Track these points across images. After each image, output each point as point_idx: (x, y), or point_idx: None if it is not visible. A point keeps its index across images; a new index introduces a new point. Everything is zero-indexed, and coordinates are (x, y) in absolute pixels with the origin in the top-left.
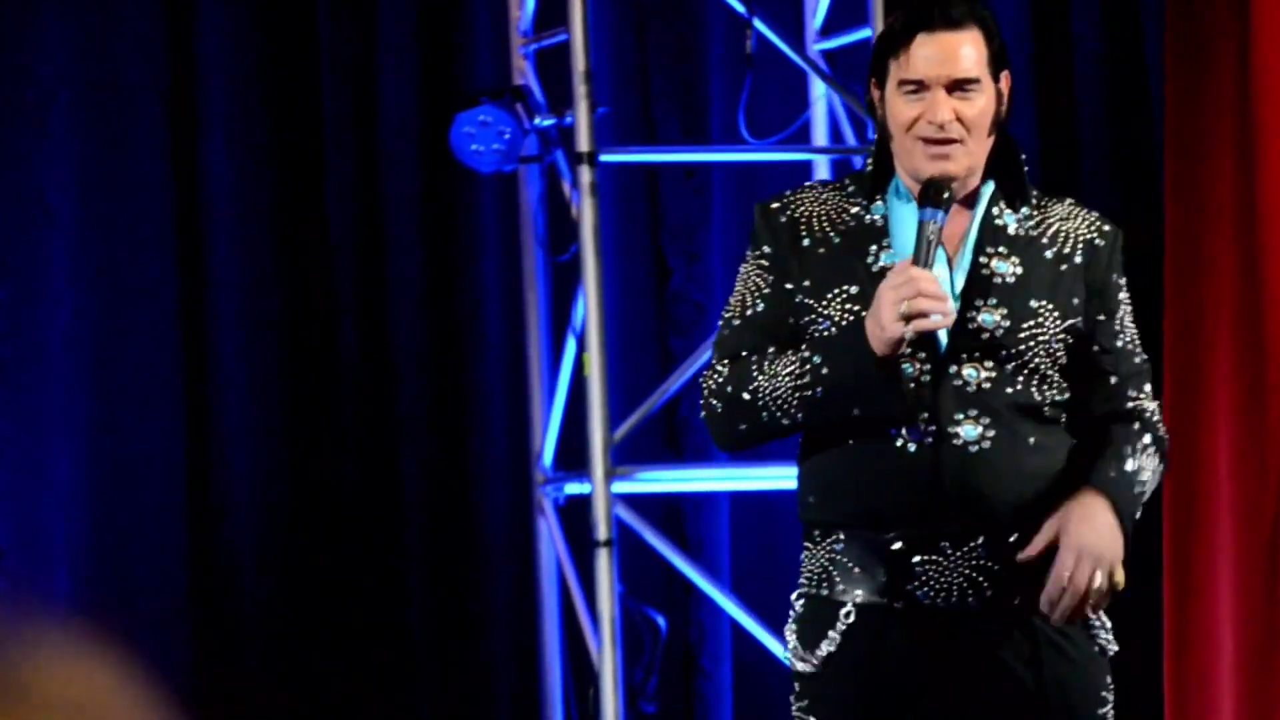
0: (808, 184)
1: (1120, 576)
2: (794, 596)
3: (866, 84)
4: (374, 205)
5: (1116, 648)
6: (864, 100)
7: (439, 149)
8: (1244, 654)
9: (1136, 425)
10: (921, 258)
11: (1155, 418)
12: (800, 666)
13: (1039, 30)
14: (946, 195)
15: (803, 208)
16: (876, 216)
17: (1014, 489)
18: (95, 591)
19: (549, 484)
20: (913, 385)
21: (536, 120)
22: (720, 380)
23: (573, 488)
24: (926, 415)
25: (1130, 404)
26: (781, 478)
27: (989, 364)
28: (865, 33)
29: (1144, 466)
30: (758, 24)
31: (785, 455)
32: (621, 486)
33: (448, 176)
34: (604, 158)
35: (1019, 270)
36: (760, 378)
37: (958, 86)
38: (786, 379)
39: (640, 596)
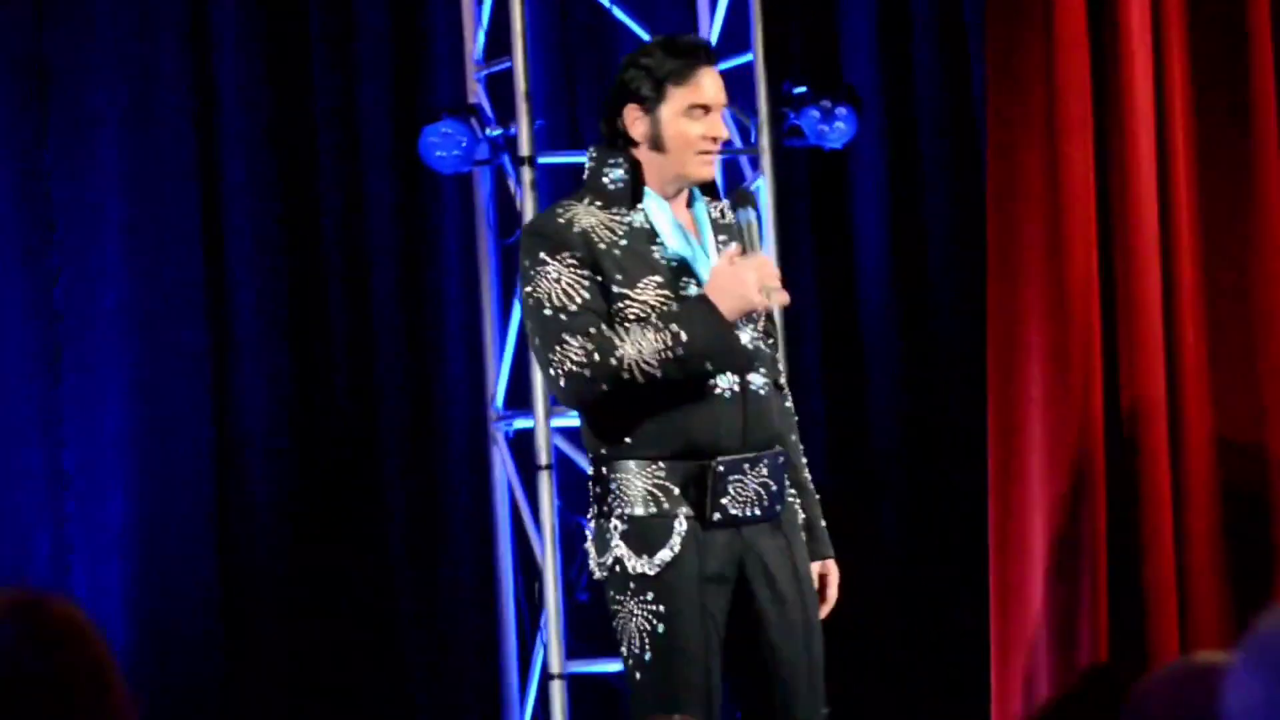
0: (562, 203)
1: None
2: (600, 516)
3: (609, 108)
4: (357, 200)
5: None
6: (744, 112)
7: (409, 154)
8: (1052, 559)
9: (796, 435)
10: (749, 247)
11: (790, 398)
12: (640, 570)
13: (884, 58)
14: (754, 201)
15: (582, 221)
16: (643, 221)
17: (779, 422)
18: (140, 511)
19: (501, 420)
20: (748, 343)
21: (487, 131)
22: (584, 351)
23: (520, 423)
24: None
25: (785, 387)
26: None
27: (750, 328)
28: (747, 57)
29: (811, 482)
30: None
31: None
32: (559, 421)
33: (416, 176)
34: (541, 160)
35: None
36: (623, 344)
37: (720, 110)
38: (648, 346)
39: (574, 510)
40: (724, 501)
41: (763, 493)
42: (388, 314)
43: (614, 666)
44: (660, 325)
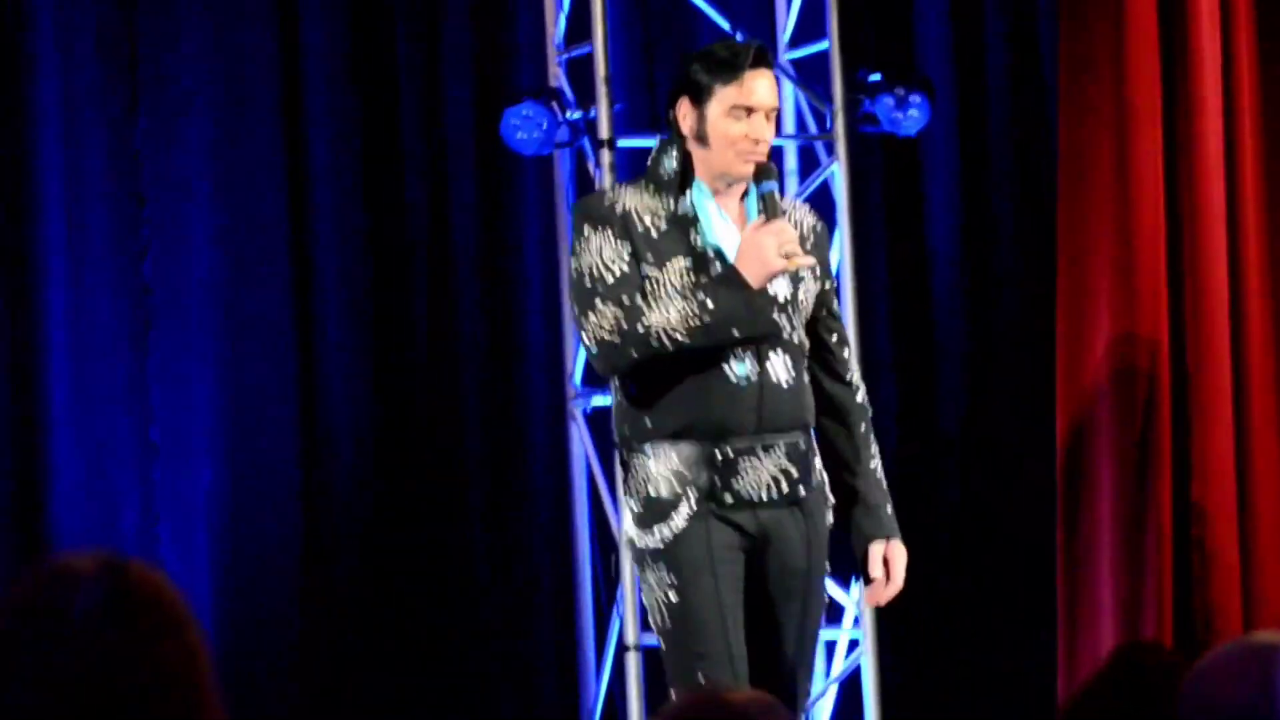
0: (616, 186)
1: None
2: (627, 495)
3: (669, 100)
4: (441, 182)
5: (832, 522)
6: (819, 99)
7: (491, 137)
8: (1118, 537)
9: (866, 427)
10: (770, 216)
11: (864, 392)
12: (650, 545)
13: (958, 46)
14: (773, 169)
15: (627, 202)
16: (688, 209)
17: (800, 410)
18: (225, 480)
19: (579, 397)
20: (777, 305)
21: (567, 114)
22: (615, 319)
23: (597, 400)
24: (750, 355)
25: (856, 381)
26: None
27: (781, 317)
28: (823, 45)
29: (881, 471)
30: (738, 37)
31: None
32: None
33: (498, 158)
34: (620, 143)
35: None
36: (653, 313)
37: (769, 113)
38: (675, 314)
39: None
40: (736, 485)
41: (780, 477)
42: (469, 292)
43: None
44: (689, 294)
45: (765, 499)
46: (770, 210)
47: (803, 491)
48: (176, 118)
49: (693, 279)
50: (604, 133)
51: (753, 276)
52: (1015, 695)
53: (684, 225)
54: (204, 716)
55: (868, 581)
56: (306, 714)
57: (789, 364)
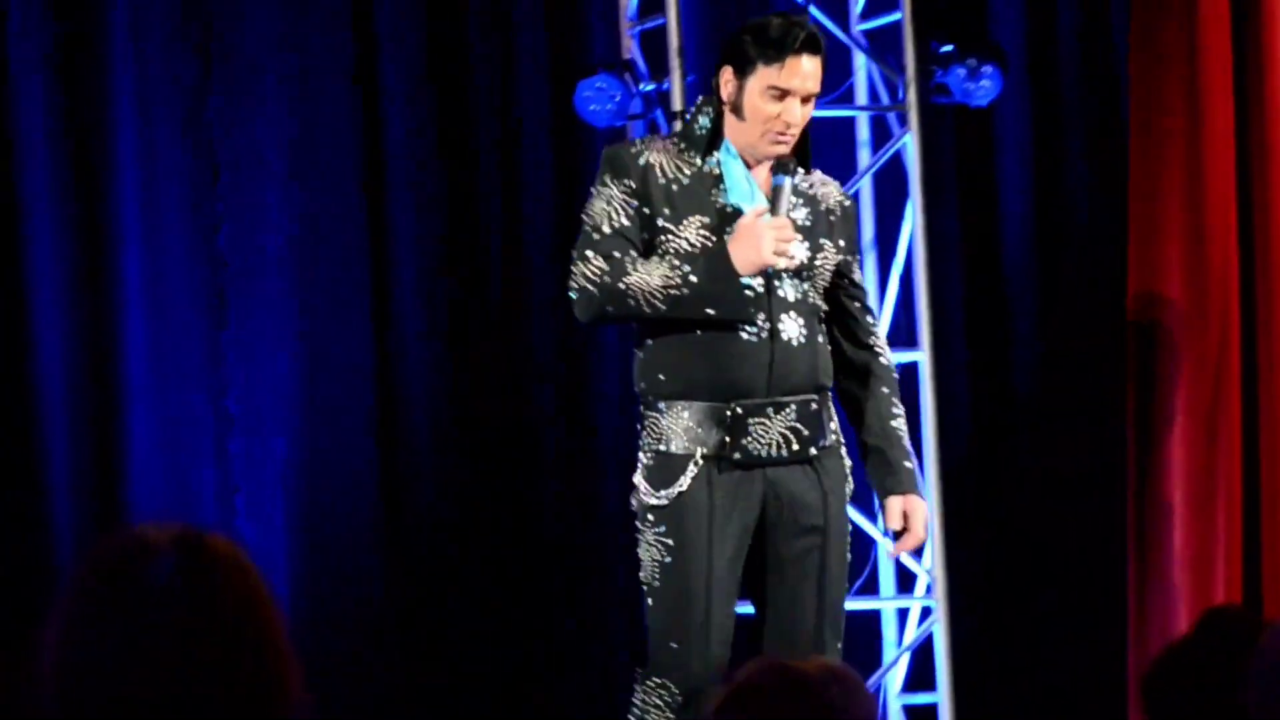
0: (644, 138)
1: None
2: (640, 450)
3: (718, 63)
4: (514, 154)
5: (854, 487)
6: (892, 70)
7: (564, 108)
8: (1189, 503)
9: (889, 389)
10: (780, 210)
11: (889, 356)
12: (653, 502)
13: (1030, 16)
14: (792, 166)
15: (652, 155)
16: (714, 167)
17: (812, 370)
18: (302, 451)
19: None
20: (750, 294)
21: (640, 86)
22: (598, 270)
23: None
24: (763, 316)
25: (878, 345)
26: None
27: (796, 282)
28: (896, 16)
29: (904, 430)
30: (812, 10)
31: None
32: None
33: (571, 130)
34: None
35: (811, 218)
36: (635, 274)
37: (807, 98)
38: (657, 279)
39: None
40: (744, 442)
41: (790, 436)
42: (541, 262)
43: (748, 609)
44: (676, 263)
45: (775, 455)
46: (775, 204)
47: (813, 450)
48: (249, 91)
49: (708, 238)
50: (676, 104)
51: (741, 264)
52: (1087, 661)
53: (708, 183)
54: (279, 687)
55: (894, 537)
56: (383, 684)
57: (802, 325)
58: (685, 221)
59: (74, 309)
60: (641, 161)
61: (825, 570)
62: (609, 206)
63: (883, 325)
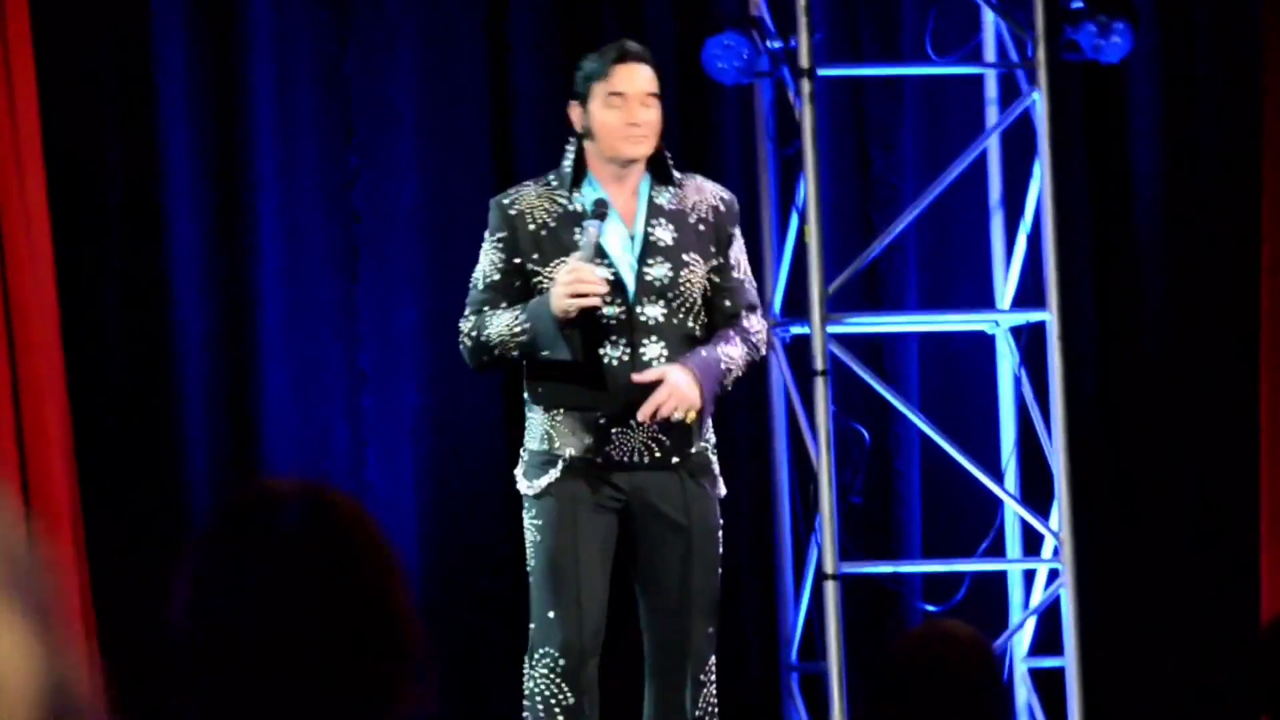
0: (525, 183)
1: (692, 416)
2: (522, 450)
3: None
4: None
5: (725, 492)
6: (1020, 27)
7: (692, 66)
8: None
9: (731, 331)
10: (586, 254)
11: (750, 325)
12: (527, 492)
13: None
14: (604, 212)
15: (525, 202)
16: (578, 205)
17: None
18: (432, 405)
19: (778, 326)
20: (612, 322)
21: (768, 43)
22: (469, 327)
23: (796, 329)
24: (624, 342)
25: (734, 318)
26: (957, 322)
27: (660, 303)
28: None
29: (729, 354)
30: None
31: (962, 304)
32: (834, 328)
33: (699, 87)
34: (820, 72)
35: (675, 235)
36: (491, 327)
37: (645, 98)
38: (505, 329)
39: (849, 414)
40: (608, 449)
41: (653, 444)
42: None
43: (886, 568)
44: (518, 311)
45: (637, 461)
46: (585, 248)
47: (675, 459)
48: (386, 45)
49: None
50: (804, 62)
51: (554, 308)
52: (1217, 625)
53: (571, 221)
54: (399, 642)
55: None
56: (510, 640)
57: (663, 347)
58: (552, 264)
59: (211, 262)
60: (513, 211)
61: (688, 562)
62: (484, 260)
63: (1009, 285)
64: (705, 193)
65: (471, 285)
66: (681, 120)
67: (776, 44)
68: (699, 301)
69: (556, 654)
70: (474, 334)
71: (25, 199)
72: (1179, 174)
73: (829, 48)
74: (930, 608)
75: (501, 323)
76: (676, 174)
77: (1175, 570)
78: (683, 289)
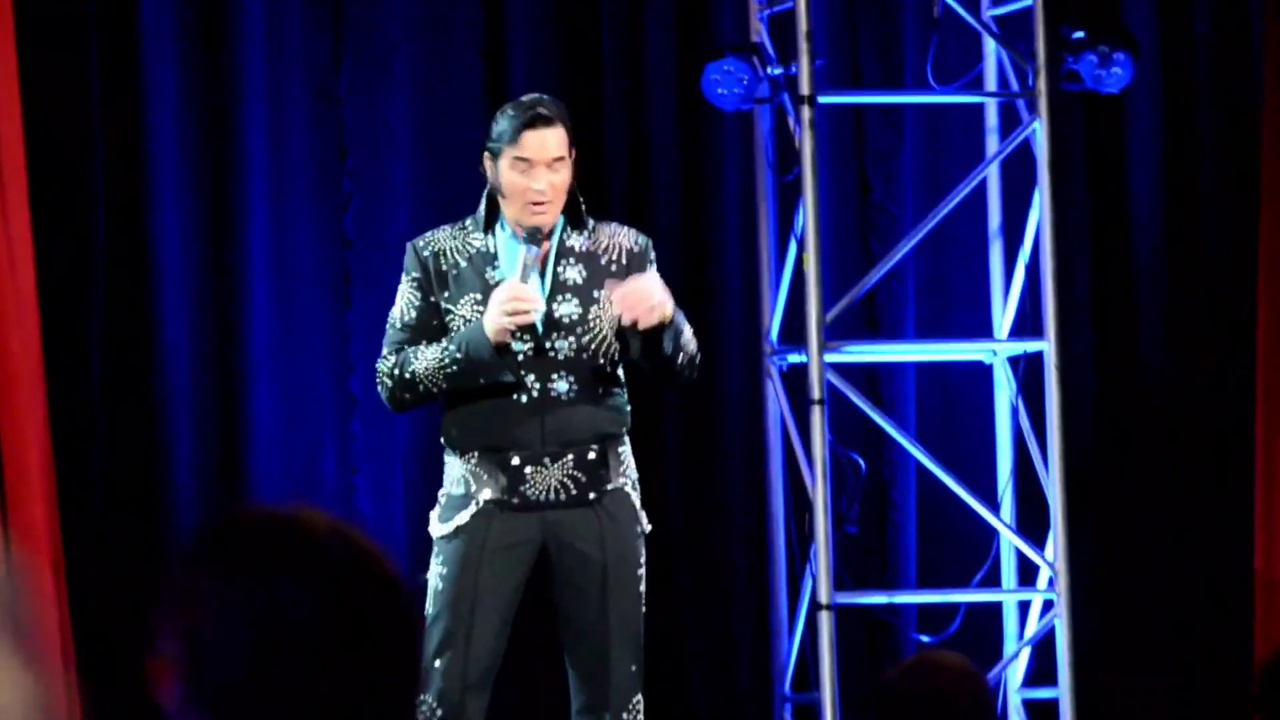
0: (442, 227)
1: (666, 313)
2: (440, 493)
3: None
4: (640, 135)
5: (649, 528)
6: (1022, 56)
7: (692, 91)
8: None
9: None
10: (521, 275)
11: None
12: (436, 535)
13: (1163, 3)
14: (539, 236)
15: (441, 244)
16: (490, 247)
17: (590, 424)
18: (422, 432)
19: (775, 354)
20: (520, 357)
21: (768, 70)
22: (389, 366)
23: (794, 358)
24: (533, 377)
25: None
26: (955, 352)
27: (570, 339)
28: (1027, 2)
29: (685, 327)
30: None
31: (959, 333)
32: (831, 357)
33: (698, 113)
34: (821, 99)
35: (584, 274)
36: (416, 363)
37: (551, 163)
38: (434, 362)
39: (845, 443)
40: (523, 489)
41: (569, 482)
42: (667, 246)
43: (881, 598)
44: (446, 344)
45: (553, 500)
46: (520, 269)
47: (593, 495)
48: (380, 67)
49: (481, 313)
50: (805, 89)
51: (489, 331)
52: (1211, 657)
53: (483, 261)
54: (401, 675)
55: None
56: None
57: (573, 381)
58: (463, 300)
59: (200, 286)
60: (427, 252)
61: (606, 598)
62: (401, 301)
63: (1007, 314)
64: (619, 237)
65: (389, 325)
66: (681, 146)
67: (777, 70)
68: (609, 338)
69: (434, 703)
70: (395, 372)
71: (8, 228)
72: (1178, 205)
73: (830, 74)
74: (925, 638)
75: (428, 357)
76: (590, 220)
77: (1170, 602)
78: (592, 325)
